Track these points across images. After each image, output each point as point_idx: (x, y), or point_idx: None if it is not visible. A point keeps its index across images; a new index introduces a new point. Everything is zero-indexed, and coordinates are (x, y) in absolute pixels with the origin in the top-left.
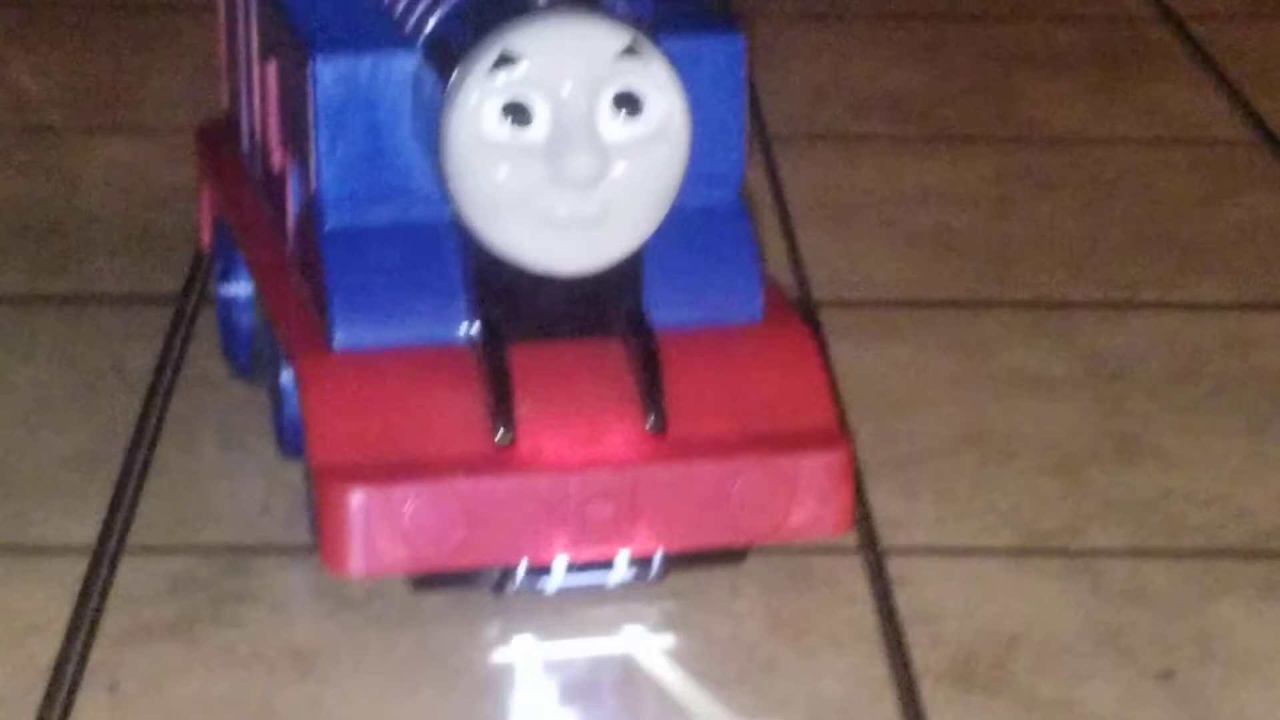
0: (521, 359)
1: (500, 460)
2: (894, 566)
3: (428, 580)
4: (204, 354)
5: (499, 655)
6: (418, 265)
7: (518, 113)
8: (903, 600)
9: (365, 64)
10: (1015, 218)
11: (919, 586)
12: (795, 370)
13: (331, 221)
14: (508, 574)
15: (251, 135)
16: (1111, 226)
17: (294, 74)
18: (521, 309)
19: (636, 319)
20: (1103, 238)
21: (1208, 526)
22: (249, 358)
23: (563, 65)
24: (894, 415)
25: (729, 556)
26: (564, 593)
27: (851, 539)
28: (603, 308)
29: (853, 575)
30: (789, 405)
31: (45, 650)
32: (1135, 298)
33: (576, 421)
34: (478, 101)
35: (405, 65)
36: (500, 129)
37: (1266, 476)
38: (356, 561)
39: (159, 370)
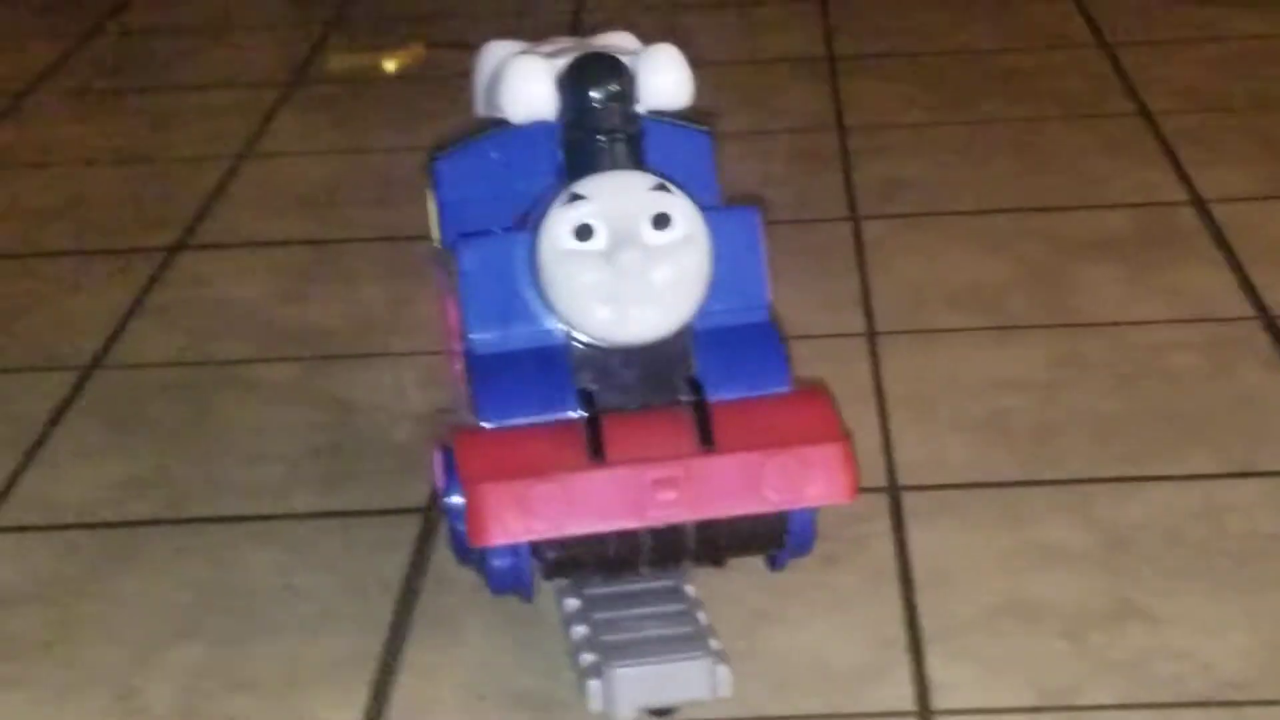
0: (609, 420)
1: (593, 466)
2: None
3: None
4: (445, 557)
5: None
6: (535, 371)
7: (584, 232)
8: None
9: (495, 242)
10: (1057, 402)
11: None
12: (809, 407)
13: (476, 350)
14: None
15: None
16: (1132, 405)
17: (452, 266)
18: (609, 384)
19: (693, 383)
20: (1125, 416)
21: (1177, 680)
22: (465, 550)
23: (614, 198)
24: (949, 586)
25: (769, 542)
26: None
27: (912, 705)
28: (666, 378)
29: None
30: (804, 426)
31: None
32: (1142, 472)
33: (648, 444)
34: (557, 227)
35: (524, 242)
36: (572, 243)
37: (1225, 633)
38: (494, 535)
39: (409, 574)
